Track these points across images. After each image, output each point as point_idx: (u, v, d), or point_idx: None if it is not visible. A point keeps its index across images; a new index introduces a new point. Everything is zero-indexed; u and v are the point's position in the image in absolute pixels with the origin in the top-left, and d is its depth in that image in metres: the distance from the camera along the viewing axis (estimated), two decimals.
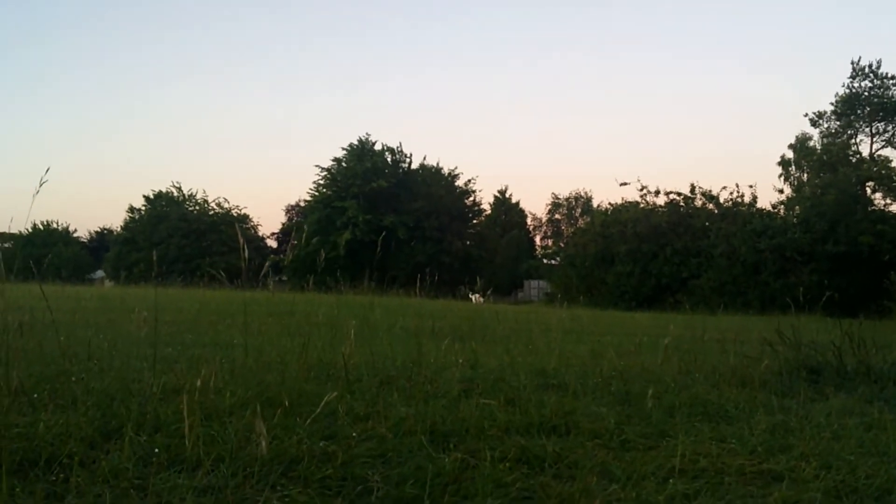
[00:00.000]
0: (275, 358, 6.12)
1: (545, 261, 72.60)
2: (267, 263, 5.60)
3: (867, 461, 4.17)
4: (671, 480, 3.75)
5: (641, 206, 49.15)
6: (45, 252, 57.69)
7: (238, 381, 5.46)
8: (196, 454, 3.77)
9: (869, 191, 47.71)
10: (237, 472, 3.58)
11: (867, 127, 52.69)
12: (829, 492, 3.70)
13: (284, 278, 51.41)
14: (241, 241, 4.27)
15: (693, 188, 48.27)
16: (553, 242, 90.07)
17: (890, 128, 52.10)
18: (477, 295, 40.46)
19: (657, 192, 49.13)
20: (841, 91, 52.34)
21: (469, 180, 67.42)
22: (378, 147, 65.07)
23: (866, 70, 51.32)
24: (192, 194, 71.83)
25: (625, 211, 49.35)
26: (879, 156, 51.57)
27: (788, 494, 3.62)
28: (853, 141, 52.98)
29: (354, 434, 4.24)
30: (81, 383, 5.25)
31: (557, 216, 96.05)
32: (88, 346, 6.52)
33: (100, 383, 5.38)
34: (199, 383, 4.58)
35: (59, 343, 6.68)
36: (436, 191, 63.45)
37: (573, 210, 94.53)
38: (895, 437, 4.72)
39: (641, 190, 49.61)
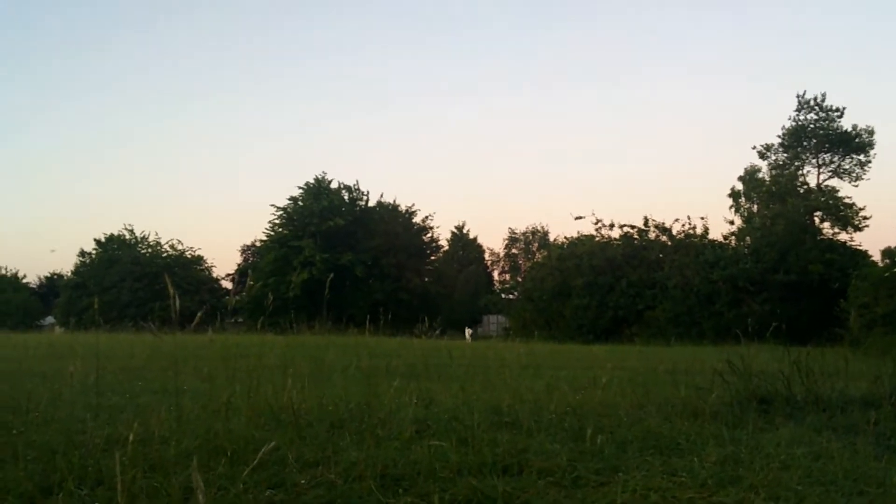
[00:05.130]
0: (223, 404, 6.01)
1: (503, 295, 72.82)
2: (199, 313, 5.47)
3: (814, 491, 4.20)
4: None
5: (597, 239, 49.77)
6: None
7: (185, 429, 5.34)
8: None
9: (817, 220, 49.01)
10: None
11: (814, 158, 54.18)
12: None
13: (240, 320, 50.81)
14: (172, 290, 4.20)
15: (646, 221, 49.10)
16: (511, 277, 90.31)
17: (836, 158, 53.63)
18: (469, 331, 40.56)
19: (612, 226, 49.90)
20: (788, 124, 53.92)
21: (426, 217, 67.70)
22: (334, 185, 65.05)
23: (811, 103, 52.97)
24: (144, 237, 70.88)
25: (580, 244, 49.88)
26: (826, 186, 53.08)
27: None
28: (800, 172, 54.43)
29: (303, 481, 4.16)
30: (22, 436, 5.09)
31: (515, 251, 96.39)
32: (29, 397, 6.33)
33: (42, 436, 5.24)
34: (142, 433, 4.47)
35: (2, 394, 6.49)
36: (393, 228, 63.47)
37: (530, 244, 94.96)
38: (842, 466, 4.77)
39: (596, 223, 50.34)
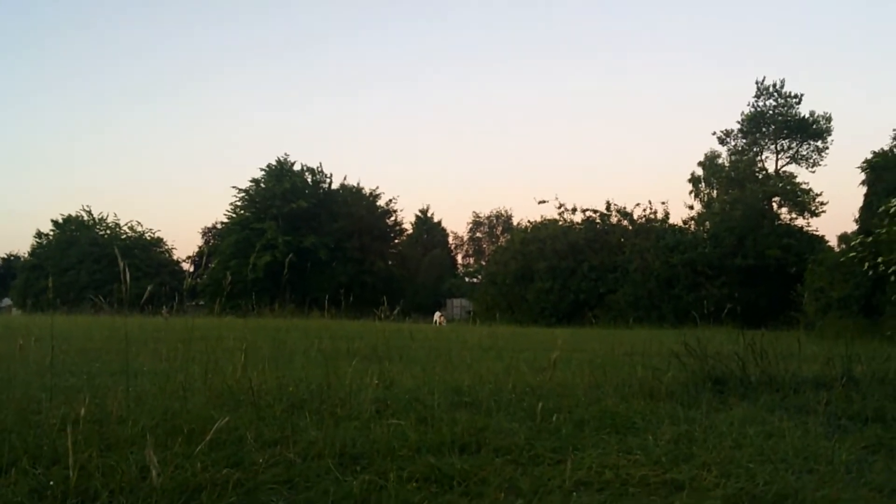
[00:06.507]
0: (180, 384, 5.97)
1: (467, 279, 73.06)
2: (149, 288, 5.42)
3: (766, 468, 4.30)
4: (575, 493, 3.81)
5: (559, 223, 50.00)
6: None
7: (142, 409, 5.30)
8: (94, 486, 3.65)
9: (775, 206, 49.74)
10: (135, 503, 3.47)
11: (772, 144, 54.83)
12: (729, 499, 3.80)
13: (202, 303, 50.32)
14: (123, 264, 4.16)
15: (608, 205, 49.46)
16: (475, 261, 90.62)
17: (794, 145, 54.32)
18: (439, 315, 40.08)
19: (574, 210, 50.18)
20: (747, 110, 54.48)
21: (390, 200, 67.54)
22: (297, 167, 64.56)
23: (770, 89, 53.56)
24: (102, 218, 69.68)
25: (543, 228, 50.10)
26: (784, 172, 53.84)
27: (689, 503, 3.72)
28: (759, 158, 55.13)
29: (261, 460, 4.16)
30: None
31: (479, 234, 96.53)
32: None
33: None
34: (99, 413, 4.43)
35: None
36: (357, 211, 63.18)
37: (494, 228, 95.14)
38: (793, 445, 4.88)
39: (559, 208, 50.63)
